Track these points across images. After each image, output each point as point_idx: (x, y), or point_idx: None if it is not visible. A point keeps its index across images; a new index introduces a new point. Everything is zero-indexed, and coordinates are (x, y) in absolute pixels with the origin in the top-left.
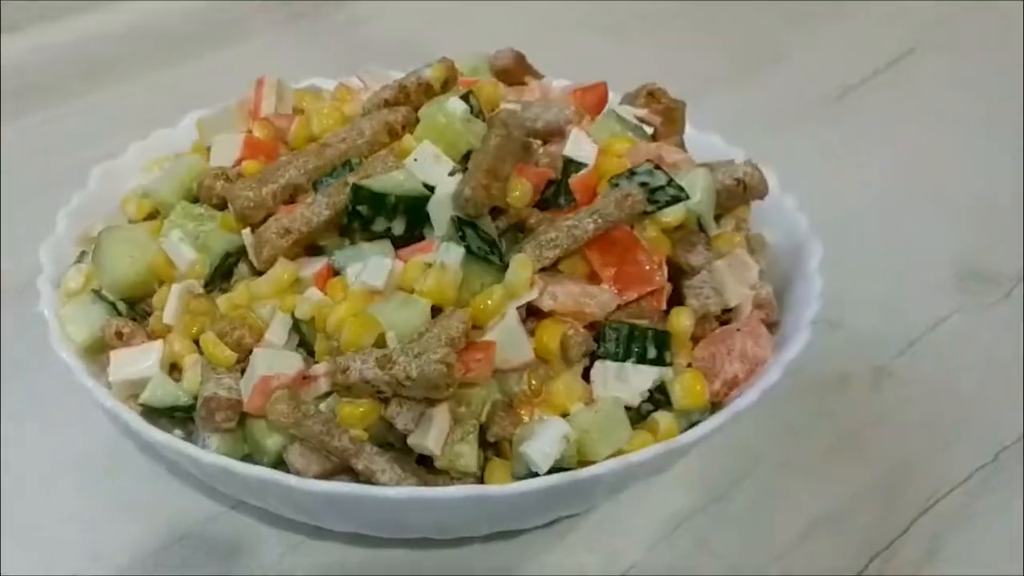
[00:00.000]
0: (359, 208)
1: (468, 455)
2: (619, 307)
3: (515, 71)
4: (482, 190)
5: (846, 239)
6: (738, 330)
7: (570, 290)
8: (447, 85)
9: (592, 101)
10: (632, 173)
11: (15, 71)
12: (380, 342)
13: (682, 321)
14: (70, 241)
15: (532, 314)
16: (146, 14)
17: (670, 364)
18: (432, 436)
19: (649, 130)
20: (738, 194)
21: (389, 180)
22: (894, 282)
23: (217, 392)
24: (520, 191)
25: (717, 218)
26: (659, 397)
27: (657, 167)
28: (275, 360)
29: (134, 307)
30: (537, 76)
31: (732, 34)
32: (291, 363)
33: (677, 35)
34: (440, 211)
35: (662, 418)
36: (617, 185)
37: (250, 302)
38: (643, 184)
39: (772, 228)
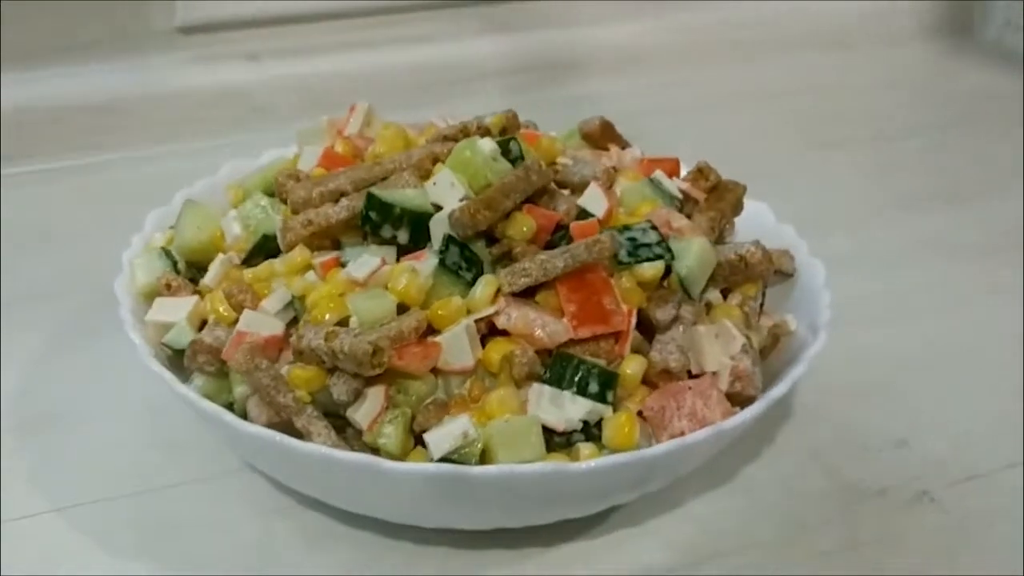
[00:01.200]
0: (370, 213)
1: (391, 436)
2: (575, 341)
3: (600, 137)
4: (469, 215)
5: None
6: (689, 388)
7: (526, 314)
8: (505, 132)
9: (662, 171)
10: (626, 228)
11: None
12: (345, 324)
13: (631, 366)
14: None
15: (495, 332)
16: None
17: (610, 403)
18: (362, 411)
19: (688, 201)
20: (740, 270)
21: (400, 194)
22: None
23: (204, 339)
24: (522, 227)
25: (725, 292)
26: (595, 432)
27: (653, 228)
28: (256, 321)
29: (193, 268)
30: (621, 144)
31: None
32: (269, 326)
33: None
34: (438, 228)
35: (585, 447)
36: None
37: (268, 277)
38: (632, 239)
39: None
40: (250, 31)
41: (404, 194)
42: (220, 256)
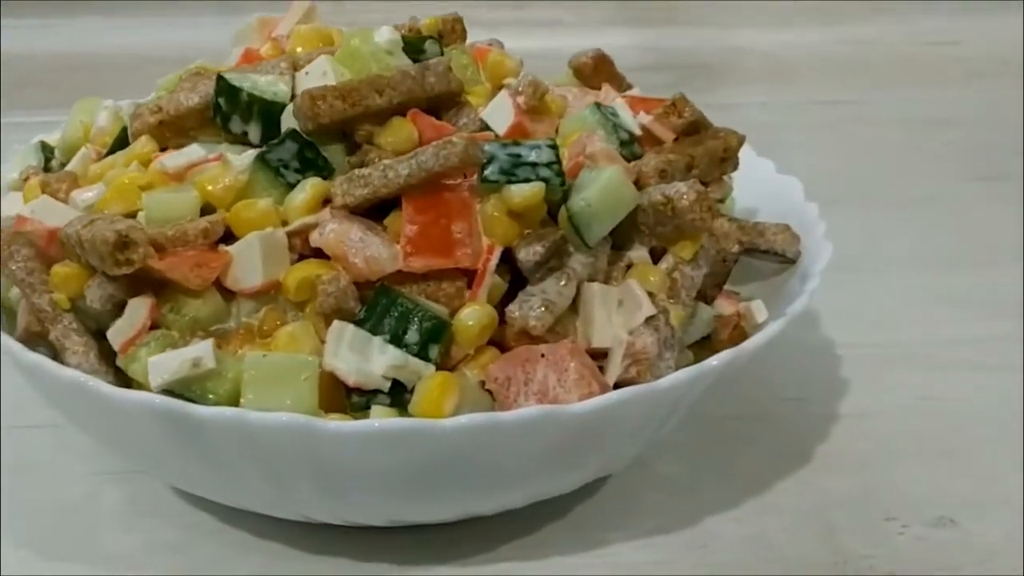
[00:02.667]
0: (219, 100)
1: (142, 362)
2: (407, 276)
3: (593, 73)
4: (310, 101)
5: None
6: (542, 356)
7: (348, 232)
8: (444, 39)
9: (645, 110)
10: (514, 142)
11: None
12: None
13: (471, 316)
14: None
15: (320, 255)
16: None
17: (433, 361)
18: (116, 326)
19: (649, 140)
20: (666, 218)
21: (251, 79)
22: None
23: None
24: (398, 135)
25: (659, 253)
26: (406, 397)
27: (552, 146)
28: (47, 209)
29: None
30: (619, 84)
31: None
32: (59, 216)
33: None
34: (289, 123)
35: (377, 412)
36: (482, 147)
37: (112, 167)
38: (513, 156)
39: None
40: None
41: (255, 79)
42: (82, 149)
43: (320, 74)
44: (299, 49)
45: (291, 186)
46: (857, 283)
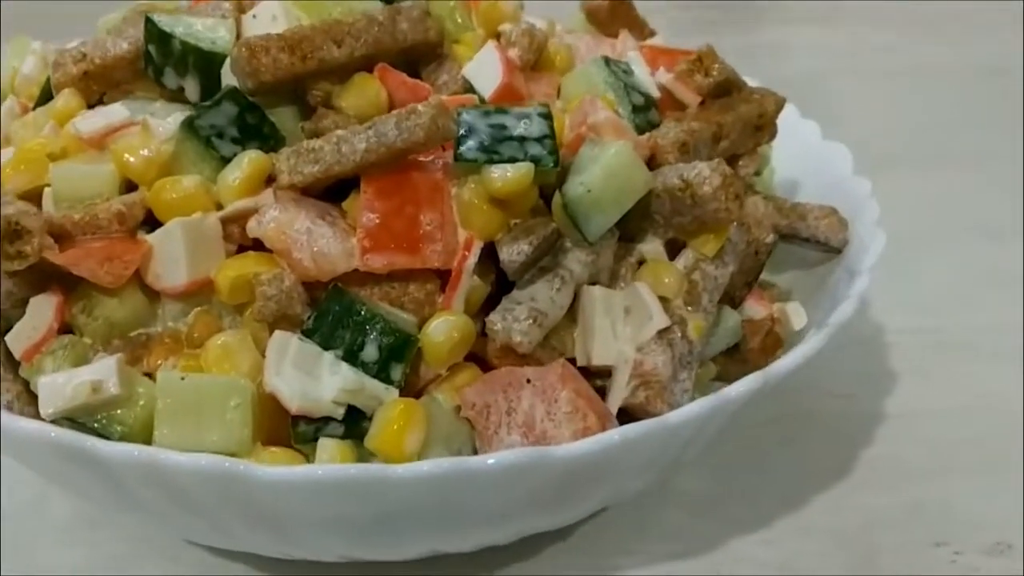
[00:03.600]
0: (150, 48)
1: (47, 374)
2: (365, 276)
3: (608, 18)
4: (248, 54)
5: None
6: (528, 382)
7: (290, 220)
8: None
9: (667, 64)
10: (499, 110)
11: None
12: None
13: (441, 329)
14: None
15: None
16: None
17: (396, 384)
18: (17, 329)
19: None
20: (685, 207)
21: (186, 23)
22: None
23: None
24: (362, 94)
25: (676, 246)
26: (364, 426)
27: (544, 115)
28: None
29: None
30: (640, 30)
31: None
32: None
33: None
34: (230, 79)
35: (325, 447)
36: (458, 115)
37: (33, 127)
38: (497, 127)
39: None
40: None
41: (192, 24)
42: (8, 100)
43: (269, 19)
44: None
45: (226, 160)
46: (906, 257)
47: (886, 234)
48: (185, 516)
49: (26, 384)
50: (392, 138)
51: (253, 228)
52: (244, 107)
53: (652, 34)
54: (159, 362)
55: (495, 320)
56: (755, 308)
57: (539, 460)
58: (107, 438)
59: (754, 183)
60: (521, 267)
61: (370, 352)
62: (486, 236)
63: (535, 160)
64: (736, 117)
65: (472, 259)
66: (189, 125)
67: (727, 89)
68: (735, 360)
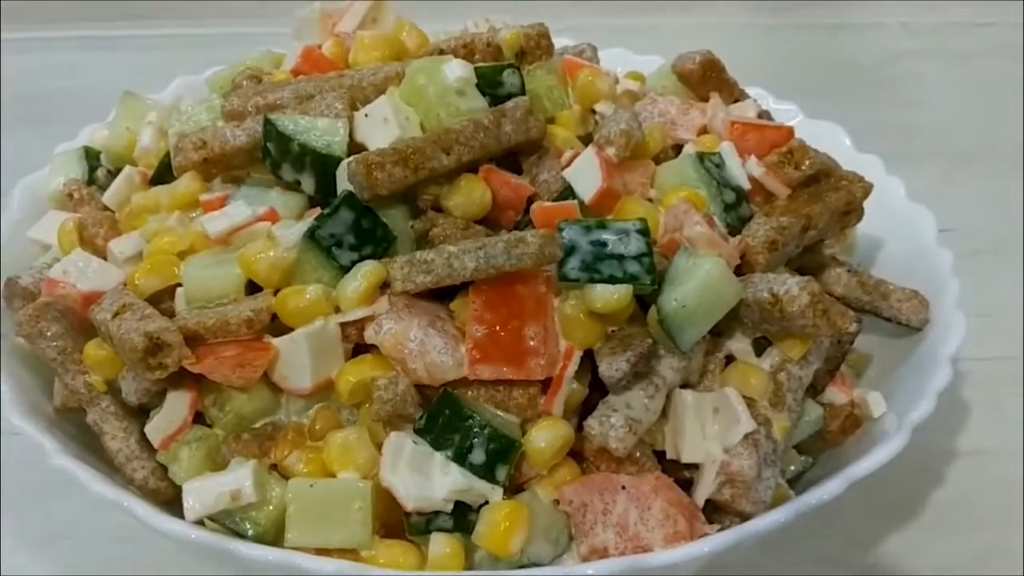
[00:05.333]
0: (268, 144)
1: (183, 464)
2: (472, 383)
3: (700, 80)
4: (365, 169)
5: None
6: (623, 488)
7: (404, 331)
8: (524, 56)
9: (756, 145)
10: (600, 225)
11: None
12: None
13: (543, 435)
14: None
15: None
16: None
17: (501, 484)
18: (155, 422)
19: (760, 194)
20: (773, 318)
21: (303, 123)
22: None
23: (22, 279)
24: (469, 196)
25: (763, 345)
26: (471, 519)
27: (642, 231)
28: (81, 269)
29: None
30: (731, 92)
31: None
32: (95, 279)
33: None
34: (344, 181)
35: (437, 540)
36: (560, 231)
37: (152, 209)
38: (598, 244)
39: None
40: None
41: (309, 125)
42: (127, 169)
43: (380, 120)
44: (358, 59)
45: (345, 269)
46: (984, 272)
47: (964, 247)
48: None
49: (160, 465)
50: (501, 262)
51: (371, 336)
52: (360, 213)
53: (743, 96)
54: (285, 454)
55: (592, 425)
56: (836, 394)
57: (637, 566)
58: (242, 535)
59: (836, 253)
60: (619, 381)
61: (478, 455)
62: (585, 346)
63: (633, 278)
64: (824, 207)
65: (572, 368)
66: (311, 236)
67: (816, 177)
68: (815, 438)
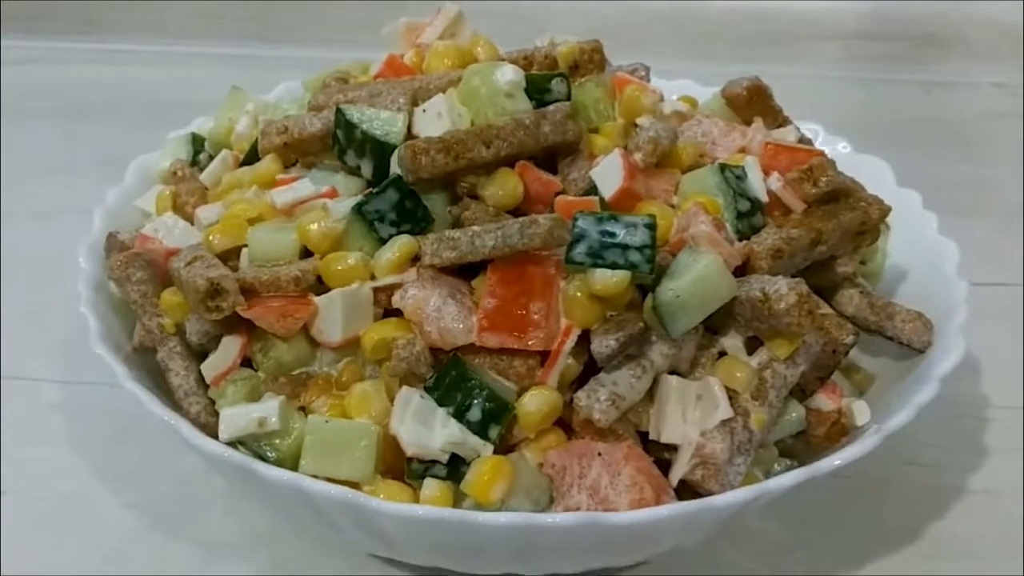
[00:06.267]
0: (337, 131)
1: (228, 399)
2: (480, 349)
3: (747, 104)
4: (412, 154)
5: None
6: (598, 454)
7: (426, 298)
8: (577, 69)
9: (787, 165)
10: (611, 217)
11: None
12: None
13: (533, 401)
14: None
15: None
16: None
17: (492, 441)
18: (210, 361)
19: (776, 208)
20: (762, 315)
21: (368, 114)
22: None
23: (120, 233)
24: (503, 187)
25: (754, 341)
26: (463, 471)
27: (650, 225)
28: (169, 228)
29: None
30: (775, 118)
31: None
32: (180, 236)
33: None
34: (395, 166)
35: (429, 485)
36: (575, 220)
37: (236, 186)
38: (606, 234)
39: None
40: None
41: (372, 115)
42: (223, 152)
43: (435, 115)
44: (431, 65)
45: (383, 241)
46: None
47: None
48: (319, 524)
49: (211, 401)
50: (515, 240)
51: (397, 301)
52: (404, 194)
53: (787, 122)
54: (313, 399)
55: (581, 397)
56: (824, 401)
57: (593, 523)
58: (264, 458)
59: (854, 274)
60: (607, 358)
61: (475, 414)
62: (583, 325)
63: (633, 266)
64: (837, 224)
65: (569, 345)
66: (358, 209)
67: (835, 196)
68: (802, 442)
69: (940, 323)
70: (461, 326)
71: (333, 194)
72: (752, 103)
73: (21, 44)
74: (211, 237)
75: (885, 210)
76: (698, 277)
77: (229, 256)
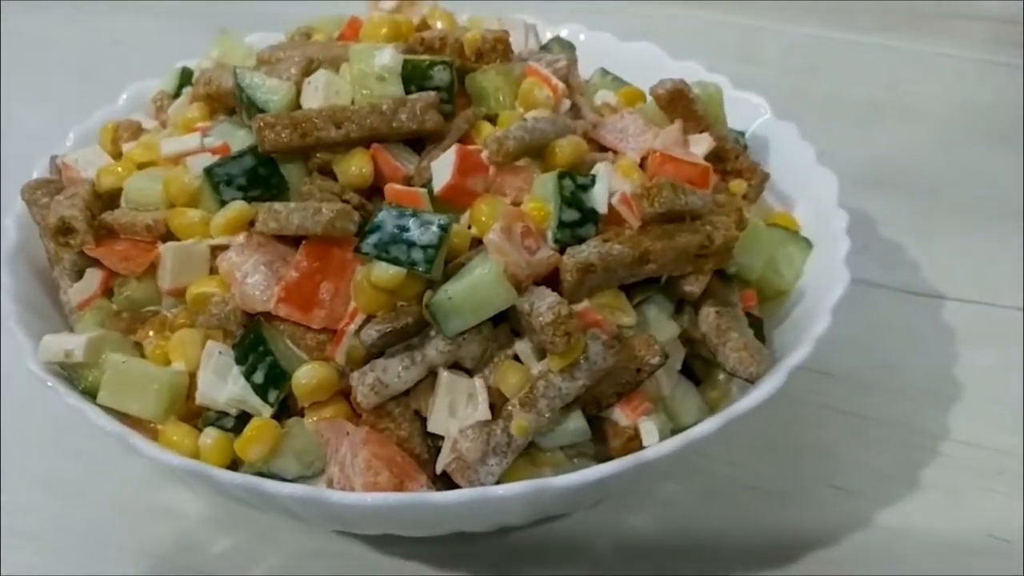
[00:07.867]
0: (237, 92)
1: (80, 325)
2: (283, 318)
3: (667, 106)
4: (260, 127)
5: None
6: (347, 434)
7: (240, 263)
8: (483, 58)
9: (670, 174)
10: (413, 214)
11: None
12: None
13: (301, 375)
14: None
15: None
16: None
17: (272, 405)
18: (74, 288)
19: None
20: (532, 327)
21: (256, 80)
22: None
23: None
24: (352, 168)
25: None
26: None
27: (444, 227)
28: (89, 159)
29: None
30: (698, 123)
31: None
32: (93, 169)
33: None
34: None
35: (208, 433)
36: (379, 211)
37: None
38: (399, 229)
39: None
40: None
41: (262, 82)
42: (184, 90)
43: (314, 89)
44: (366, 34)
45: (225, 203)
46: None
47: None
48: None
49: None
50: (307, 224)
51: (218, 261)
52: (260, 161)
53: (706, 128)
54: (146, 335)
55: (353, 377)
56: (619, 415)
57: (316, 498)
58: (75, 387)
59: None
60: (373, 345)
61: (259, 377)
62: (367, 311)
63: (412, 264)
64: (669, 246)
65: (353, 326)
66: (208, 171)
67: (680, 216)
68: (602, 449)
69: (824, 255)
70: (259, 294)
71: (225, 150)
72: (672, 105)
73: None
74: (99, 176)
75: (732, 237)
76: (471, 283)
77: (116, 196)
